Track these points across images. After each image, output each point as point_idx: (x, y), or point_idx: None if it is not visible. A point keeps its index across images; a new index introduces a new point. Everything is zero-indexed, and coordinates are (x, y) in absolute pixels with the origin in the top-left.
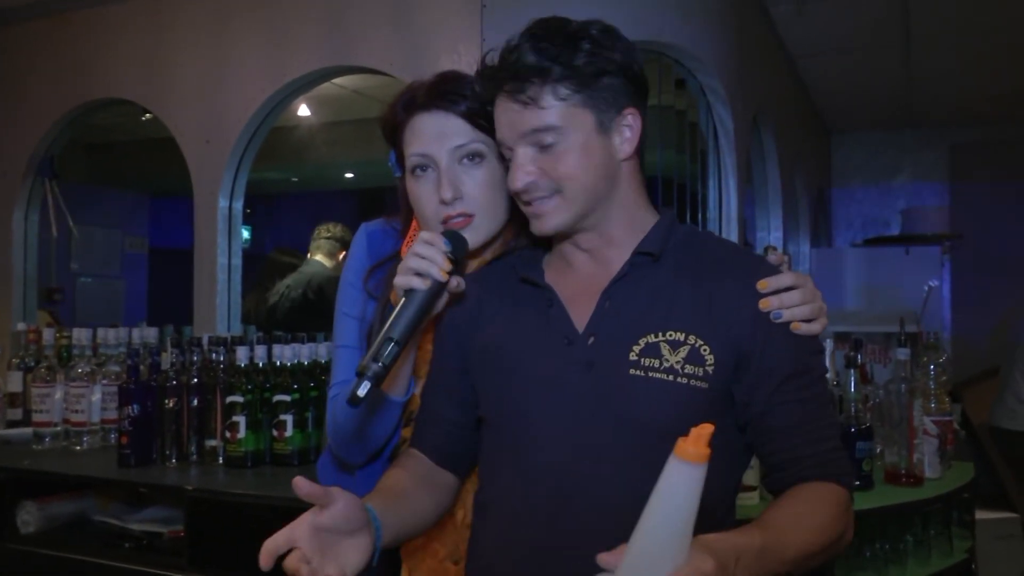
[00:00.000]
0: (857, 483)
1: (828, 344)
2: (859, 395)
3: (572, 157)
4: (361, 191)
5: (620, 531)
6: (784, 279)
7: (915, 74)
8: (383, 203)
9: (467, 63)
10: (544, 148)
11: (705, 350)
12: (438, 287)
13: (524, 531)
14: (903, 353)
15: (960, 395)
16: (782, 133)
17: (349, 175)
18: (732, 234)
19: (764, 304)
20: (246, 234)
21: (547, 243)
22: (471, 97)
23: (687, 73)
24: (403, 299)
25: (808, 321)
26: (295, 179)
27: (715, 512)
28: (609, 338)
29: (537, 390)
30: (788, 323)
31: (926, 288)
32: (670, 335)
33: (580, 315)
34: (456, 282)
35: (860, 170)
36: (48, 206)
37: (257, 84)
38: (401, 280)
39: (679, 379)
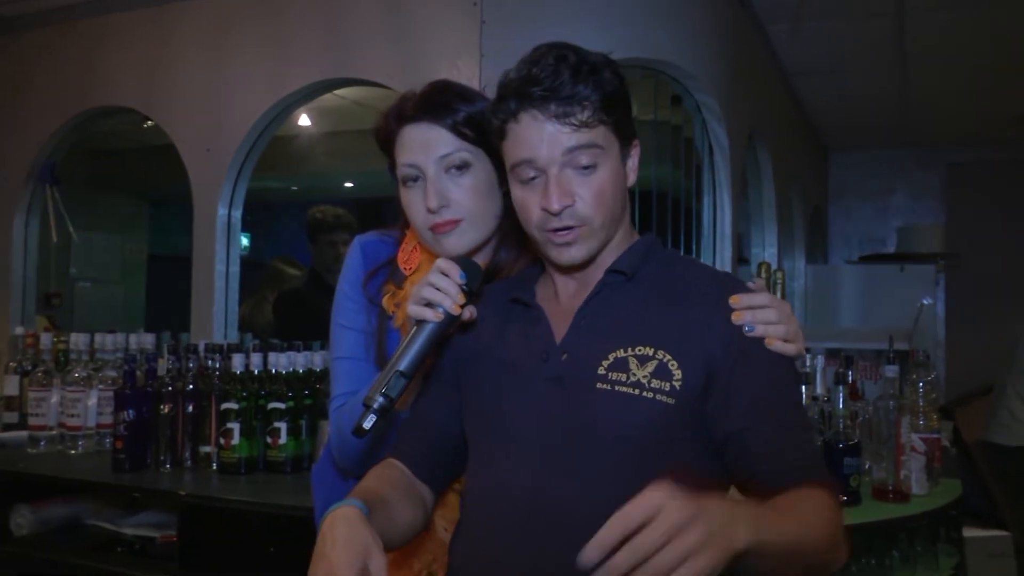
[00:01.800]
0: (844, 498)
1: (819, 360)
2: (847, 411)
3: (605, 181)
4: (360, 201)
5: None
6: (758, 298)
7: (911, 94)
8: (382, 213)
9: (466, 77)
10: (583, 169)
11: (673, 365)
12: (450, 319)
13: (496, 541)
14: (891, 370)
15: (952, 413)
16: (778, 150)
17: (349, 184)
18: (726, 250)
19: (736, 316)
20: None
21: (541, 263)
22: (458, 108)
23: (683, 90)
24: (414, 329)
25: (784, 342)
26: (294, 188)
27: None
28: (580, 354)
29: (512, 405)
30: (761, 341)
31: (918, 306)
32: (639, 350)
33: (561, 333)
34: (469, 313)
35: (857, 188)
36: (48, 212)
37: (258, 94)
38: (414, 310)
39: (644, 393)
